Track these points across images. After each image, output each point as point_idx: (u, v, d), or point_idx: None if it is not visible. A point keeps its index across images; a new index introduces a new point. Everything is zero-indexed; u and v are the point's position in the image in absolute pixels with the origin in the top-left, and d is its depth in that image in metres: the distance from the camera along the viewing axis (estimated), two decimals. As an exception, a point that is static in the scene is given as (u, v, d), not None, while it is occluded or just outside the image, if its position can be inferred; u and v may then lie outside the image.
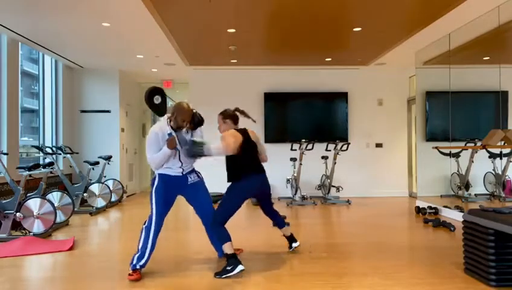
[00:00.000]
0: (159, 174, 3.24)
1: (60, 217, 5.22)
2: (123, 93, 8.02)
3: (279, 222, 3.80)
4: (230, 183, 3.43)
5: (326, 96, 8.05)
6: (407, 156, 8.13)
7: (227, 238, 3.21)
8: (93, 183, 6.54)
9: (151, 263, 3.28)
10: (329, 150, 7.41)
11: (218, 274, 3.10)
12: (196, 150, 3.19)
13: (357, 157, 7.99)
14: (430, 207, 5.88)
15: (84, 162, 6.81)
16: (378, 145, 8.14)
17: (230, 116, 3.58)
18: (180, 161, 3.27)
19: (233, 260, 3.12)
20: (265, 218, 5.90)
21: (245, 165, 3.44)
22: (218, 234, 3.27)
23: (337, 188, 7.21)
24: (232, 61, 7.29)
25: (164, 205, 3.21)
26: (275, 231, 4.86)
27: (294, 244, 3.82)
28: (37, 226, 4.58)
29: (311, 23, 5.20)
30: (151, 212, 3.17)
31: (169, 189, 3.24)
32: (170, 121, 3.21)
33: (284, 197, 7.65)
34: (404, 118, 8.17)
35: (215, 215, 3.31)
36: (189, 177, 3.34)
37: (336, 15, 4.90)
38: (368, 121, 8.12)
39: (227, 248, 3.17)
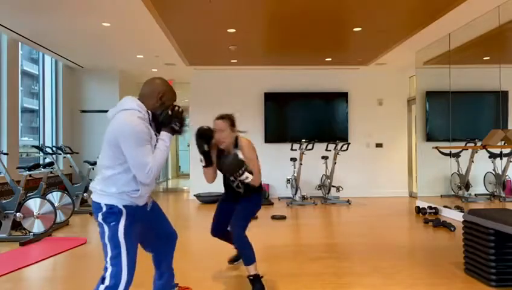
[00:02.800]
0: (125, 206, 2.04)
1: (60, 217, 5.23)
2: (123, 93, 8.00)
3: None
4: (253, 194, 2.97)
5: (326, 96, 8.05)
6: (407, 156, 8.13)
7: (253, 257, 2.80)
8: (93, 183, 6.53)
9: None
10: (330, 150, 7.41)
11: None
12: (238, 165, 2.66)
13: (357, 157, 7.98)
14: (430, 207, 5.88)
15: (84, 162, 6.81)
16: (378, 145, 8.14)
17: (235, 124, 2.93)
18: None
19: (260, 284, 2.78)
20: (264, 218, 5.90)
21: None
22: (245, 249, 2.79)
23: (337, 188, 7.22)
24: (232, 61, 7.28)
25: (135, 249, 2.10)
26: (274, 231, 4.86)
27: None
28: (37, 226, 4.58)
29: (311, 23, 5.19)
30: (117, 263, 1.99)
31: (136, 226, 2.12)
32: (160, 104, 2.14)
33: (284, 197, 7.65)
34: (404, 118, 8.17)
35: (239, 223, 2.85)
36: (148, 203, 2.27)
37: (336, 15, 4.90)
38: (368, 121, 8.12)
39: (252, 269, 2.79)
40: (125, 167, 2.02)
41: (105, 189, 2.03)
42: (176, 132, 2.16)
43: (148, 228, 2.29)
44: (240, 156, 2.75)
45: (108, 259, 2.00)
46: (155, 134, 2.12)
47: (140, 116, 2.03)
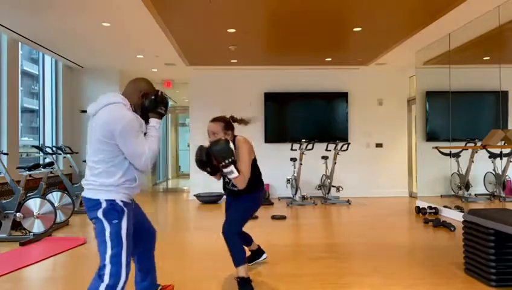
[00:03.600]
0: (124, 203, 2.04)
1: (60, 217, 5.23)
2: (123, 93, 8.01)
3: (247, 240, 3.38)
4: (248, 192, 2.90)
5: (326, 96, 8.05)
6: (407, 156, 8.13)
7: (243, 259, 2.78)
8: (93, 183, 6.52)
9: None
10: (330, 150, 7.42)
11: None
12: (225, 152, 2.58)
13: (357, 157, 7.99)
14: (430, 207, 5.88)
15: (84, 162, 6.80)
16: (378, 145, 8.14)
17: (232, 126, 2.90)
18: None
19: (249, 286, 2.76)
20: (264, 218, 5.90)
21: (260, 175, 3.05)
22: (235, 250, 2.77)
23: (337, 188, 7.22)
24: (232, 61, 7.28)
25: (132, 247, 2.10)
26: (274, 231, 4.86)
27: (263, 256, 3.50)
28: (37, 226, 4.58)
29: (311, 23, 5.19)
30: (117, 261, 1.97)
31: (131, 223, 2.11)
32: (144, 99, 2.21)
33: (284, 197, 7.65)
34: (404, 118, 8.17)
35: (231, 223, 2.82)
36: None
37: (336, 15, 4.90)
38: (368, 121, 8.12)
39: (242, 271, 2.77)
40: (120, 159, 2.03)
41: (102, 183, 2.00)
42: (163, 115, 2.22)
43: (133, 225, 2.21)
44: (231, 146, 2.65)
45: (107, 257, 1.96)
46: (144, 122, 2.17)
47: (127, 108, 2.09)
